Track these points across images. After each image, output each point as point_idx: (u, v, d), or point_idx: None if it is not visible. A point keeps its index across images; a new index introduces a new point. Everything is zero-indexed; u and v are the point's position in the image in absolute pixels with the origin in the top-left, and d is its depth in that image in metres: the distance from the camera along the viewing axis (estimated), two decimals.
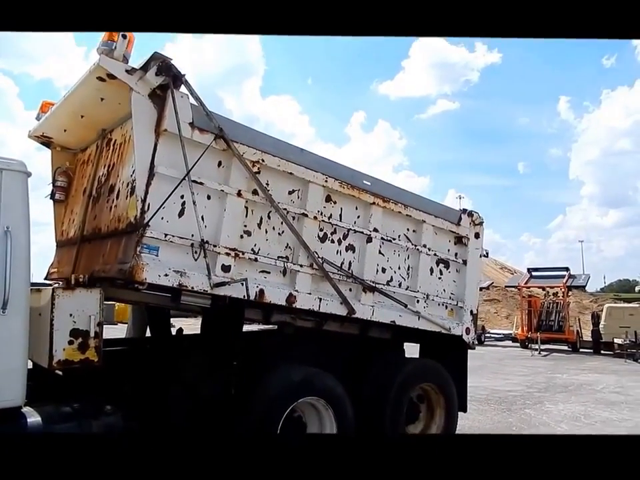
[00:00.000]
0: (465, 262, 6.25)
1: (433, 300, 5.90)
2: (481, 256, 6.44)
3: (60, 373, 4.25)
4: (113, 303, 19.43)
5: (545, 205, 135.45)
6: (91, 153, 5.39)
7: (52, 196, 5.71)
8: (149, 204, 3.99)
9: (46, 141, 5.67)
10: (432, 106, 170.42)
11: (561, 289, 24.20)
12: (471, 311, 6.26)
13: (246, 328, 5.32)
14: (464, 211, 6.32)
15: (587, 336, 23.07)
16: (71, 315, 3.83)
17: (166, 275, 4.04)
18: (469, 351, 6.48)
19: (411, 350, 6.70)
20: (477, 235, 6.35)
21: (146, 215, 3.97)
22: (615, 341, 19.95)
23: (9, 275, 3.50)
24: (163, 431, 4.42)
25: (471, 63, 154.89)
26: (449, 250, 6.15)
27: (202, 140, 4.22)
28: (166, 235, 4.06)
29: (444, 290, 6.08)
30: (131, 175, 4.23)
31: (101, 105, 4.55)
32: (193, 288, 4.17)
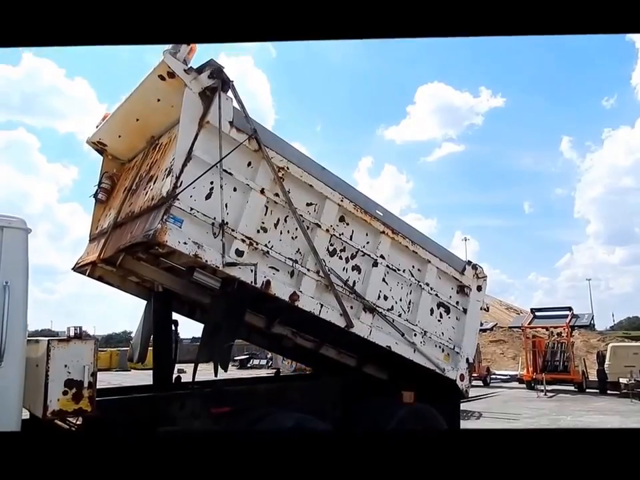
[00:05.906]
0: (465, 310, 6.48)
1: (430, 338, 6.08)
2: (481, 309, 6.66)
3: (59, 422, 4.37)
4: (126, 349, 19.27)
5: (552, 244, 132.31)
6: (137, 159, 6.04)
7: (95, 195, 6.33)
8: (181, 181, 4.53)
9: (100, 148, 6.38)
10: (437, 149, 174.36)
11: (564, 329, 23.70)
12: (467, 359, 6.37)
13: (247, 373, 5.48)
14: (469, 262, 6.67)
15: (594, 375, 22.11)
16: (65, 365, 3.98)
17: (185, 243, 4.46)
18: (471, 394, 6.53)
19: None
20: (479, 288, 6.62)
21: (177, 189, 4.49)
22: (621, 380, 19.11)
23: (6, 328, 3.66)
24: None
25: (476, 107, 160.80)
26: (450, 296, 6.41)
27: (237, 138, 4.83)
28: (191, 209, 4.54)
29: (442, 333, 6.26)
30: (170, 161, 4.80)
31: (156, 106, 5.24)
32: (206, 261, 4.56)
